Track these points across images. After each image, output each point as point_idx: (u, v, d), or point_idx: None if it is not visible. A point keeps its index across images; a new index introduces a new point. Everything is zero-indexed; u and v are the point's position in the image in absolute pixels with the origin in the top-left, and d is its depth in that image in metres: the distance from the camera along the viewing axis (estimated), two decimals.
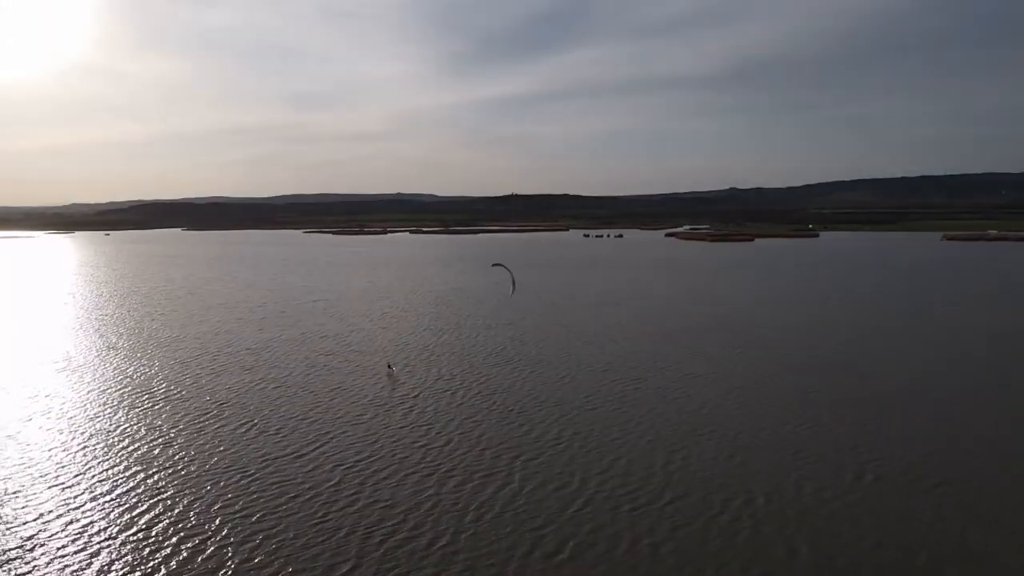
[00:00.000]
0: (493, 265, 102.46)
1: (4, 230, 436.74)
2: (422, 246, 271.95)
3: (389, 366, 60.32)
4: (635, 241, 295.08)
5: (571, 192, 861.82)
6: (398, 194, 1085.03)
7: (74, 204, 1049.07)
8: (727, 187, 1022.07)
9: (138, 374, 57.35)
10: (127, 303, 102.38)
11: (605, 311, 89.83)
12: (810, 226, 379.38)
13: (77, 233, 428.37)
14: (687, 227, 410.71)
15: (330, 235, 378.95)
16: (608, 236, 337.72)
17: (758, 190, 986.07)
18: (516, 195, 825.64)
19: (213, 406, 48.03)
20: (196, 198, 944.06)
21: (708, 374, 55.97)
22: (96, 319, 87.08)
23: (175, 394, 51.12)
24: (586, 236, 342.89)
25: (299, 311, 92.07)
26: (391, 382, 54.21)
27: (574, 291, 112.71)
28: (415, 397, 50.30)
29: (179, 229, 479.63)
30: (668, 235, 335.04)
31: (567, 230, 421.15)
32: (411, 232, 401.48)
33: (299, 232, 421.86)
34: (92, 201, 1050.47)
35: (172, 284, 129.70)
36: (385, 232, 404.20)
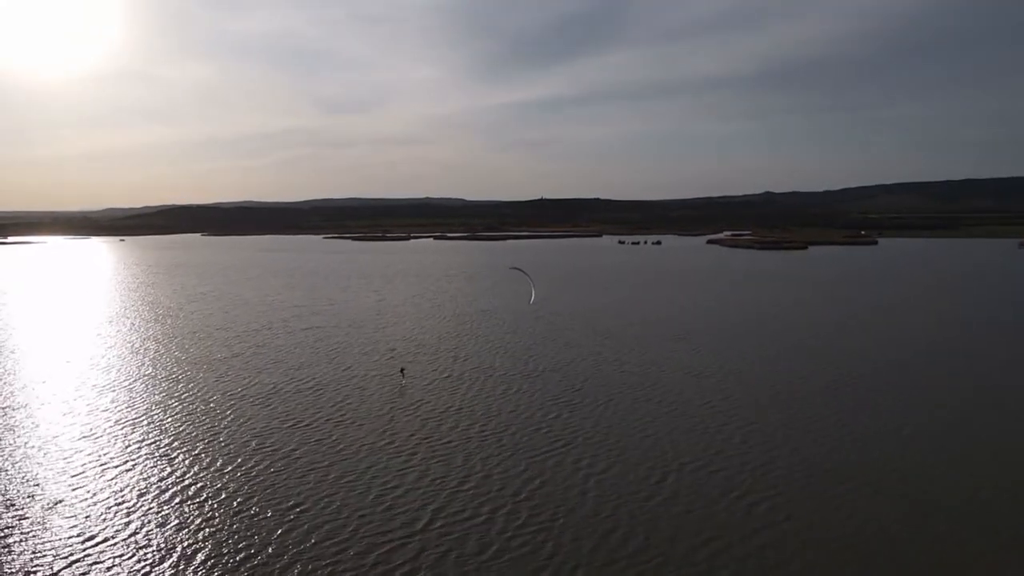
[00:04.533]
0: (511, 268, 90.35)
1: (25, 235, 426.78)
2: (446, 254, 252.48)
3: (401, 371, 56.11)
4: (675, 248, 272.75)
5: (602, 196, 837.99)
6: (426, 198, 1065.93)
7: (109, 208, 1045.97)
8: (762, 191, 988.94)
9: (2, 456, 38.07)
10: (75, 329, 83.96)
11: (677, 348, 69.07)
12: (862, 232, 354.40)
13: (92, 239, 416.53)
14: (727, 233, 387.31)
15: (351, 241, 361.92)
16: (645, 243, 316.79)
17: (794, 194, 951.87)
18: (546, 199, 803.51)
19: (72, 547, 28.40)
20: (226, 203, 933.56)
21: (867, 480, 35.09)
22: (18, 355, 68.54)
23: (25, 511, 31.60)
24: (621, 243, 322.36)
25: (283, 346, 72.74)
26: (398, 402, 34.48)
27: (629, 314, 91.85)
28: (416, 514, 30.24)
29: (199, 234, 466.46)
30: (710, 242, 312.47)
31: (600, 236, 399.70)
32: (435, 238, 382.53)
33: (320, 238, 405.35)
34: (126, 205, 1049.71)
35: (151, 302, 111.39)
36: (408, 238, 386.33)
